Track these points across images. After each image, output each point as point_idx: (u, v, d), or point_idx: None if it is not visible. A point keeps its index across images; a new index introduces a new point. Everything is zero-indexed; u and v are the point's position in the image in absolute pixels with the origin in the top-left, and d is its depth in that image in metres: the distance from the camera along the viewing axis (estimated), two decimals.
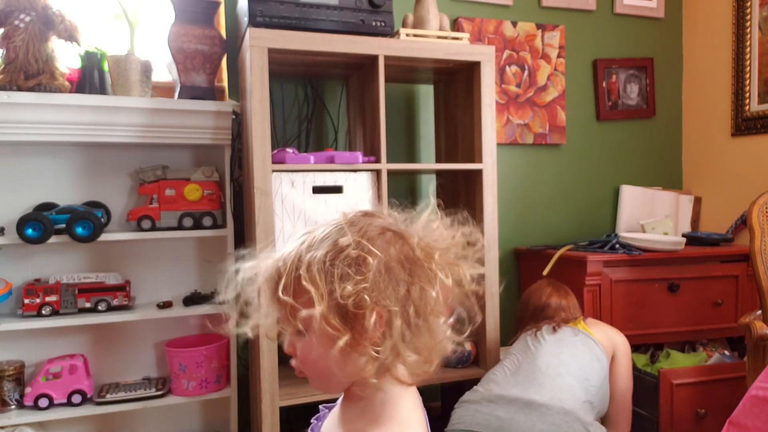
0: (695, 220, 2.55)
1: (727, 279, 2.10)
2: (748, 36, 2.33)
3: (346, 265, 0.66)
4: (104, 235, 1.69)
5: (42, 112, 1.61)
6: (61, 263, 1.81)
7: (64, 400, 1.68)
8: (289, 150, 1.65)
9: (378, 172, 1.69)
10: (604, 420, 1.67)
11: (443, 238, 0.74)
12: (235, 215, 1.85)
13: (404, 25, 1.82)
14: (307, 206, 1.62)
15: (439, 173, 2.09)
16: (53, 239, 1.64)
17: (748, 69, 2.33)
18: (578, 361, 1.57)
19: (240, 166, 1.87)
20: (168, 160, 1.90)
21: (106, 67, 1.76)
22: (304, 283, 0.66)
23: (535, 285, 1.86)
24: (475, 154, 1.84)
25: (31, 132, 1.63)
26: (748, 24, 2.33)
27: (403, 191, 2.18)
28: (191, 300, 1.84)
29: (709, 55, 2.52)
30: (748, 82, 2.33)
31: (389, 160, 1.76)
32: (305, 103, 2.09)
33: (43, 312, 1.67)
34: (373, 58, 1.68)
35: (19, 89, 1.61)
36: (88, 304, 1.72)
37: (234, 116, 1.80)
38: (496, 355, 1.81)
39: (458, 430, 1.47)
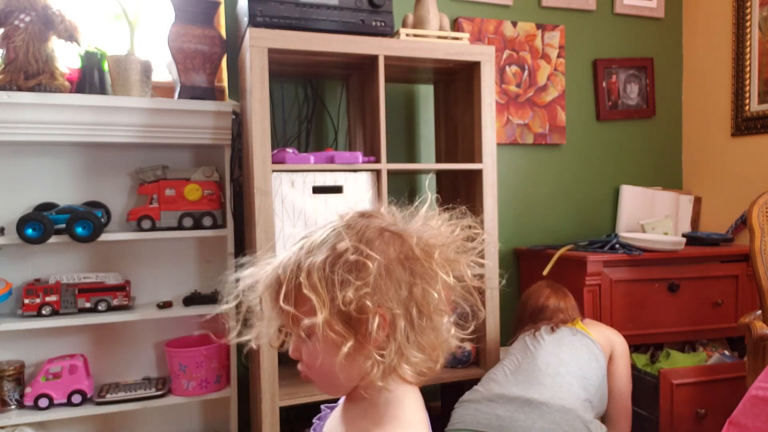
0: (695, 220, 2.55)
1: (727, 279, 2.10)
2: (748, 36, 2.33)
3: (346, 270, 0.66)
4: (104, 235, 1.69)
5: (42, 112, 1.61)
6: (61, 263, 1.81)
7: (64, 400, 1.68)
8: (289, 150, 1.65)
9: (378, 172, 1.69)
10: (603, 420, 1.67)
11: (442, 234, 0.73)
12: (235, 215, 1.85)
13: (404, 25, 1.82)
14: (307, 206, 1.62)
15: (439, 173, 2.09)
16: (53, 239, 1.64)
17: (748, 69, 2.33)
18: (577, 360, 1.58)
19: (240, 166, 1.87)
20: (168, 160, 1.90)
21: (106, 67, 1.76)
22: (305, 291, 0.66)
23: (534, 286, 1.86)
24: (475, 154, 1.84)
25: (31, 132, 1.63)
26: (748, 24, 2.33)
27: (403, 191, 2.17)
28: (191, 300, 1.85)
29: (709, 55, 2.52)
30: (748, 82, 2.33)
31: (389, 160, 1.76)
32: (305, 103, 2.09)
33: (43, 312, 1.67)
34: (373, 58, 1.68)
35: (19, 89, 1.61)
36: (88, 304, 1.72)
37: (234, 116, 1.80)
38: (496, 355, 1.81)
39: (459, 430, 1.48)
